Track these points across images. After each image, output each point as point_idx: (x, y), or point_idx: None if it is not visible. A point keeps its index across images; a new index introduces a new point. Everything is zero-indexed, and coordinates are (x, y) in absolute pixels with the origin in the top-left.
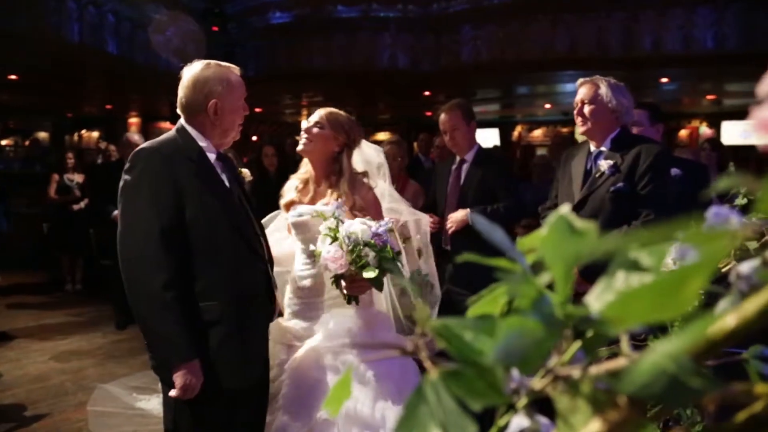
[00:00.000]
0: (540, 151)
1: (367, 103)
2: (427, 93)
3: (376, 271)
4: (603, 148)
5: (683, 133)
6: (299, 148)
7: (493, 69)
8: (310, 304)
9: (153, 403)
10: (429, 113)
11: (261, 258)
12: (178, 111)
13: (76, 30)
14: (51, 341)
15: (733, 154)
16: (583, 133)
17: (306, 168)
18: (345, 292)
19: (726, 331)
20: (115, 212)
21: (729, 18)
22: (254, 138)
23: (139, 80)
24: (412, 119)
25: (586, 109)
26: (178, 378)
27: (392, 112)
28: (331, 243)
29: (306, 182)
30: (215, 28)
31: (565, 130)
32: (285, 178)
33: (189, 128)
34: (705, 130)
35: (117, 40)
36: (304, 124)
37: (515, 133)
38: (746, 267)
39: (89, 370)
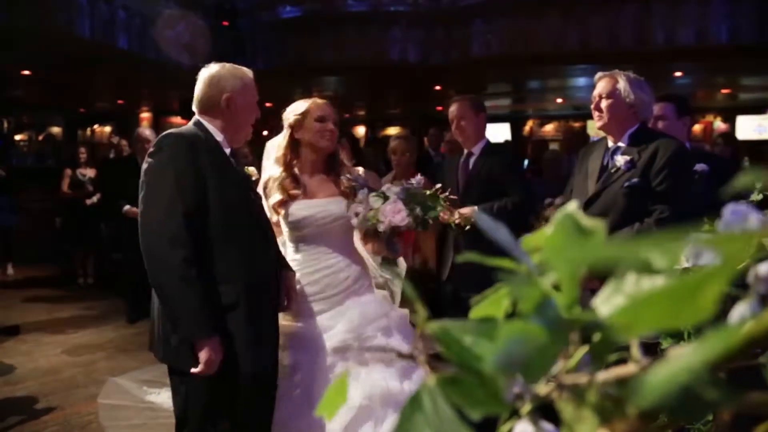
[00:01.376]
0: (552, 146)
1: (377, 97)
2: (437, 87)
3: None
4: (621, 144)
5: (697, 127)
6: (328, 144)
7: (504, 63)
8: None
9: (163, 397)
10: (440, 108)
11: (273, 245)
12: (194, 108)
13: (87, 26)
14: (63, 334)
15: (748, 148)
16: (600, 128)
17: (278, 167)
18: (395, 249)
19: (744, 339)
20: (127, 207)
21: (744, 10)
22: (265, 133)
23: (150, 75)
24: (422, 114)
25: (604, 104)
26: (203, 353)
27: (403, 106)
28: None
29: (292, 179)
30: (225, 23)
31: (576, 124)
32: None
33: (206, 123)
34: (719, 124)
35: (128, 35)
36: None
37: (527, 128)
38: (765, 268)
39: (100, 363)
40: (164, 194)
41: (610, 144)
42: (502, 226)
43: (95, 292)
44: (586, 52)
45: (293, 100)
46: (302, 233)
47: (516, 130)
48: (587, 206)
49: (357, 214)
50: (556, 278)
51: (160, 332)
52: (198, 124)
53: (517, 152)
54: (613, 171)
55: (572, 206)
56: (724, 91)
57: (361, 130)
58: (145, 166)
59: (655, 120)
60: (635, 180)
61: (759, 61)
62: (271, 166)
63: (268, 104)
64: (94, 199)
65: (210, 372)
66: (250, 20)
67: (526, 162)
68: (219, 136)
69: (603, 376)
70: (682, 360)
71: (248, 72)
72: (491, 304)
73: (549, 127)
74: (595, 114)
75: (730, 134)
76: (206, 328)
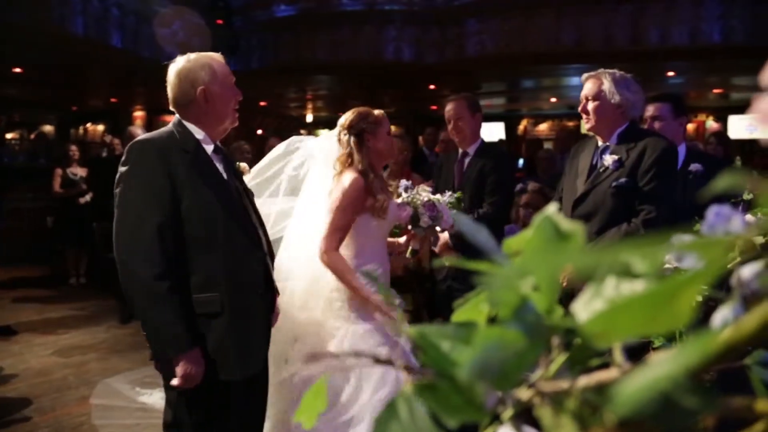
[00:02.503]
0: (546, 145)
1: (372, 96)
2: (432, 86)
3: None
4: (610, 144)
5: (690, 127)
6: (393, 157)
7: (499, 62)
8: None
9: (155, 398)
10: (434, 107)
11: (260, 249)
12: (172, 108)
13: (80, 23)
14: (54, 335)
15: (740, 148)
16: (589, 130)
17: (349, 169)
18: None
19: (725, 345)
20: None
21: (736, 11)
22: (259, 131)
23: (143, 74)
24: (417, 113)
25: (590, 106)
26: (179, 368)
27: (397, 105)
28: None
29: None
30: (220, 21)
31: (570, 123)
32: None
33: (185, 122)
34: (712, 123)
35: (122, 33)
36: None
37: (521, 127)
38: (748, 271)
39: (92, 364)
40: (134, 206)
41: (600, 143)
42: (481, 228)
43: (87, 292)
44: (581, 52)
45: (288, 99)
46: (384, 232)
47: (510, 129)
48: (576, 205)
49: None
50: (535, 282)
51: None
52: (177, 124)
53: (511, 152)
54: (601, 170)
55: (552, 208)
56: (716, 90)
57: None
58: (117, 176)
59: (651, 120)
60: (623, 180)
61: (750, 61)
62: (323, 167)
63: (262, 103)
64: (87, 198)
65: (189, 386)
66: (245, 18)
67: (521, 161)
68: (199, 134)
69: (582, 382)
70: (661, 367)
71: (215, 56)
72: (473, 308)
73: (543, 126)
74: (583, 116)
75: (722, 134)
76: (181, 342)
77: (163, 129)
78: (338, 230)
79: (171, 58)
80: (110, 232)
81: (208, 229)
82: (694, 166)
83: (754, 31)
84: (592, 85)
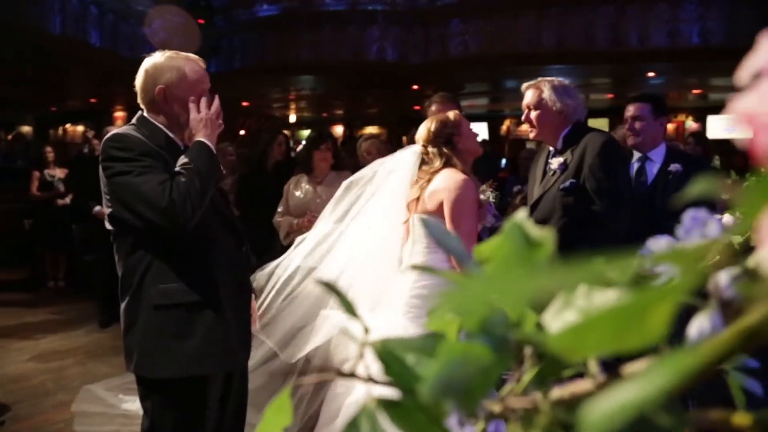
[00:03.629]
0: (529, 146)
1: (355, 97)
2: (415, 87)
3: None
4: (557, 148)
5: (669, 127)
6: (479, 147)
7: (481, 63)
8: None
9: (138, 405)
10: (417, 107)
11: (242, 246)
12: (138, 101)
13: (57, 21)
14: (32, 340)
15: (718, 147)
16: (534, 138)
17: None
18: None
19: (703, 362)
20: (97, 208)
21: (713, 13)
22: (242, 132)
23: (124, 73)
24: (400, 113)
25: (533, 115)
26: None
27: (380, 106)
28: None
29: None
30: (201, 21)
31: None
32: (284, 171)
33: (150, 118)
34: (691, 124)
35: (100, 32)
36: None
37: (504, 128)
38: (725, 277)
39: (71, 369)
40: (134, 174)
41: (551, 148)
42: (448, 233)
43: (66, 295)
44: (562, 53)
45: (271, 99)
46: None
47: (493, 129)
48: (532, 211)
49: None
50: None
51: (125, 341)
52: (141, 120)
53: (494, 152)
54: (551, 174)
55: (521, 215)
56: (695, 91)
57: (339, 130)
58: (103, 171)
59: (632, 120)
60: (568, 182)
61: (728, 63)
62: (399, 181)
63: (244, 103)
64: (66, 200)
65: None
66: (227, 18)
67: (503, 161)
68: (170, 132)
69: (551, 398)
70: (636, 387)
71: (193, 60)
72: (444, 318)
73: (526, 127)
74: (527, 125)
75: (701, 134)
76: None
77: (126, 126)
78: (471, 239)
79: (142, 55)
80: (89, 234)
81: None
82: (674, 166)
83: (731, 32)
84: (532, 95)
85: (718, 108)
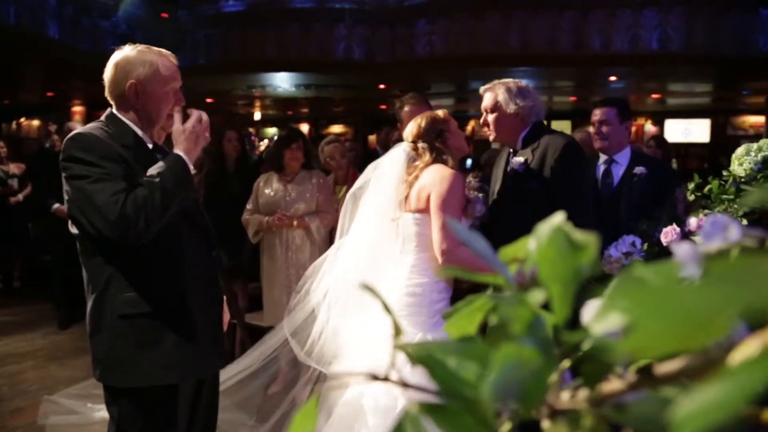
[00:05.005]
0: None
1: (321, 95)
2: (382, 86)
3: None
4: (517, 148)
5: None
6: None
7: (447, 63)
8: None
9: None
10: (384, 106)
11: (212, 248)
12: (107, 97)
13: (12, 12)
14: None
15: (676, 150)
16: (493, 141)
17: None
18: None
19: None
20: (56, 205)
21: (672, 20)
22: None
23: (82, 67)
24: (366, 112)
25: (490, 118)
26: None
27: (347, 105)
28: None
29: None
30: (165, 15)
31: None
32: (245, 167)
33: (120, 115)
34: (650, 127)
35: (59, 23)
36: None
37: (469, 128)
38: None
39: (28, 373)
40: (90, 180)
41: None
42: (478, 236)
43: (22, 296)
44: (527, 55)
45: (235, 96)
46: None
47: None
48: (494, 210)
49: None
50: (545, 296)
51: (91, 346)
52: (110, 117)
53: None
54: (511, 174)
55: (559, 218)
56: (654, 95)
57: (304, 128)
58: (63, 171)
59: (598, 124)
60: (531, 182)
61: (685, 69)
62: (396, 180)
63: (209, 100)
64: (19, 197)
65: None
66: (191, 13)
67: (469, 161)
68: (138, 130)
69: (598, 399)
70: (729, 386)
71: (165, 55)
72: (464, 319)
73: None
74: (485, 128)
75: (661, 137)
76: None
77: (94, 123)
78: (451, 233)
79: (113, 50)
80: (46, 232)
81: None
82: (639, 169)
83: (688, 39)
84: (488, 98)
85: (675, 112)
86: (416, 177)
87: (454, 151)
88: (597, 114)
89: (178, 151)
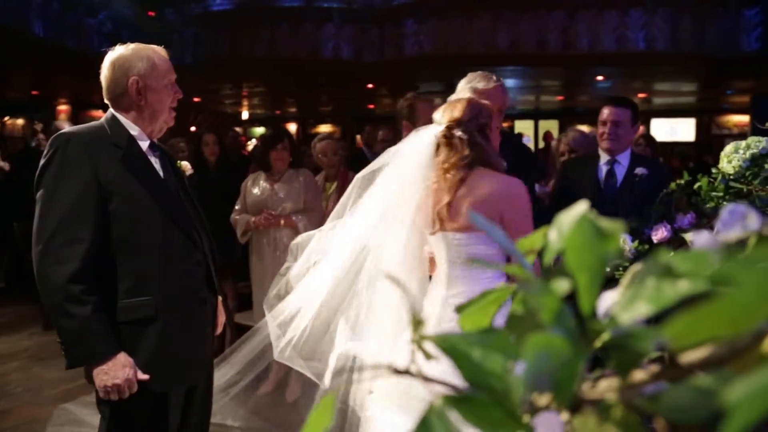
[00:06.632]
0: None
1: (309, 94)
2: (370, 85)
3: None
4: None
5: None
6: None
7: (436, 63)
8: None
9: None
10: (372, 106)
11: (200, 250)
12: (105, 99)
13: None
14: None
15: (661, 149)
16: None
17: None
18: None
19: None
20: None
21: (657, 21)
22: (193, 128)
23: (68, 65)
24: (354, 112)
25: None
26: (97, 378)
27: (335, 104)
28: None
29: None
30: (151, 13)
31: (505, 124)
32: (225, 170)
33: (119, 115)
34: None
35: (44, 21)
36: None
37: None
38: None
39: (13, 375)
40: (56, 216)
41: None
42: (496, 227)
43: (7, 297)
44: (515, 55)
45: (223, 96)
46: None
47: None
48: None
49: None
50: (573, 284)
51: None
52: (110, 119)
53: None
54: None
55: (583, 206)
56: (640, 95)
57: (292, 128)
58: (38, 171)
59: (612, 125)
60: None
61: (671, 68)
62: (417, 172)
63: (196, 99)
64: None
65: (117, 397)
66: (178, 11)
67: None
68: (134, 130)
69: (628, 389)
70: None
71: (158, 50)
72: (479, 312)
73: None
74: None
75: (650, 136)
76: (101, 346)
77: (93, 123)
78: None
79: (99, 48)
80: (32, 232)
81: (140, 229)
82: (640, 170)
83: (673, 40)
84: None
85: (661, 112)
86: (460, 181)
87: (494, 155)
88: (611, 114)
89: (97, 374)
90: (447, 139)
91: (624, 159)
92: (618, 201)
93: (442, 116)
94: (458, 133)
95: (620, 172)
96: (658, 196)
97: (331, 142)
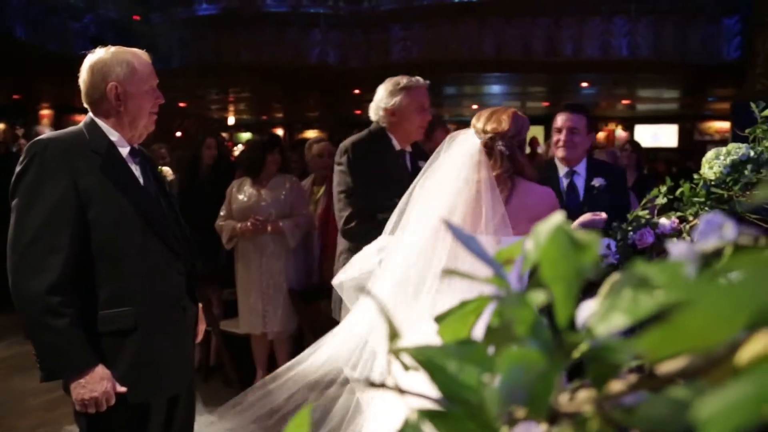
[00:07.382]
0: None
1: (295, 100)
2: (356, 91)
3: None
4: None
5: (601, 135)
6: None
7: (422, 68)
8: None
9: None
10: (358, 111)
11: (180, 258)
12: (84, 103)
13: None
14: None
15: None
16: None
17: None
18: None
19: None
20: None
21: (641, 28)
22: (178, 134)
23: (51, 69)
24: (341, 117)
25: None
26: (74, 391)
27: (321, 109)
28: None
29: None
30: (137, 18)
31: None
32: (219, 175)
33: (98, 120)
34: (620, 132)
35: (26, 24)
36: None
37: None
38: None
39: None
40: (31, 226)
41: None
42: (473, 238)
43: None
44: (501, 61)
45: (209, 101)
46: None
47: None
48: None
49: None
50: (549, 296)
51: None
52: (89, 124)
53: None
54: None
55: (559, 217)
56: (624, 101)
57: (279, 133)
58: (13, 178)
59: (568, 131)
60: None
61: (654, 75)
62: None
63: (181, 104)
64: None
65: (94, 410)
66: (164, 16)
67: None
68: (114, 135)
69: (604, 401)
70: (735, 394)
71: (139, 54)
72: (457, 322)
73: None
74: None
75: (636, 142)
76: (78, 359)
77: (70, 128)
78: None
79: (83, 53)
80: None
81: (119, 238)
82: (597, 181)
83: (656, 47)
84: None
85: (644, 118)
86: (510, 191)
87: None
88: (567, 120)
89: (74, 388)
90: (488, 149)
91: (581, 169)
92: (582, 215)
93: (484, 124)
94: (500, 146)
95: (580, 184)
96: (618, 204)
97: (327, 144)
